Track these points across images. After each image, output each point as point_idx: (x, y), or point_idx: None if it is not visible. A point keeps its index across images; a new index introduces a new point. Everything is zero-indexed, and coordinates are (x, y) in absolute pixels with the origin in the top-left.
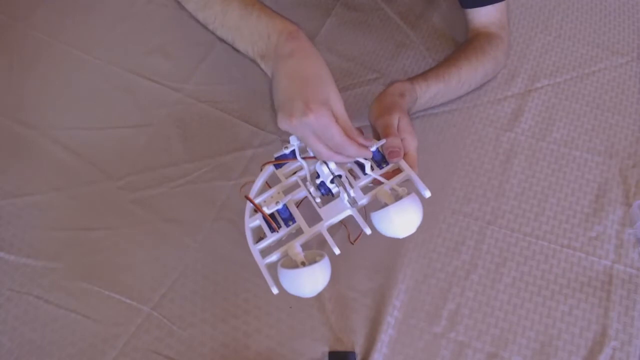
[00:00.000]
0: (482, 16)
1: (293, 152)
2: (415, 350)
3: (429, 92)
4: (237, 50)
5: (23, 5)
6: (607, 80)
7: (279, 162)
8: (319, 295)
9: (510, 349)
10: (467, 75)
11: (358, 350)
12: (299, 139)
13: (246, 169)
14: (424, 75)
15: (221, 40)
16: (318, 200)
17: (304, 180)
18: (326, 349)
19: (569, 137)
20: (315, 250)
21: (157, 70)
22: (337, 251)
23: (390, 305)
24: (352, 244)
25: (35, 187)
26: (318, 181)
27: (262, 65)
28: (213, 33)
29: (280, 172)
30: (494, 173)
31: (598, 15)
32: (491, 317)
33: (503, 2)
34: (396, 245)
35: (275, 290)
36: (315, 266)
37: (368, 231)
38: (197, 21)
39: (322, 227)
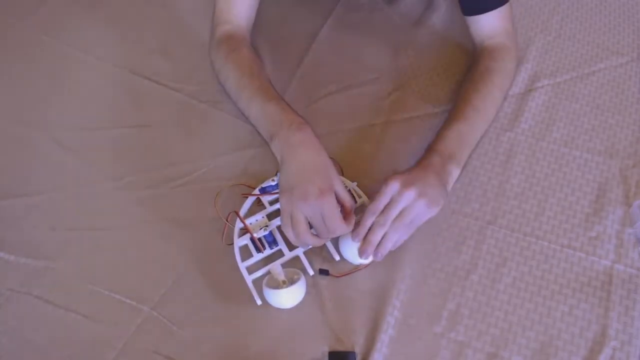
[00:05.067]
0: (485, 26)
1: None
2: (415, 350)
3: (465, 157)
4: (260, 135)
5: (23, 5)
6: (607, 80)
7: (266, 195)
8: (319, 295)
9: (510, 349)
10: (486, 113)
11: (358, 350)
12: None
13: (246, 169)
14: (450, 151)
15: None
16: None
17: None
18: (326, 349)
19: (569, 137)
20: (293, 269)
21: (157, 70)
22: (311, 273)
23: (390, 305)
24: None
25: (35, 187)
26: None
27: (272, 145)
28: (248, 120)
29: (264, 199)
30: (494, 173)
31: (598, 16)
32: (491, 317)
33: (506, 7)
34: None
35: (259, 302)
36: (294, 287)
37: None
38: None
39: (300, 252)
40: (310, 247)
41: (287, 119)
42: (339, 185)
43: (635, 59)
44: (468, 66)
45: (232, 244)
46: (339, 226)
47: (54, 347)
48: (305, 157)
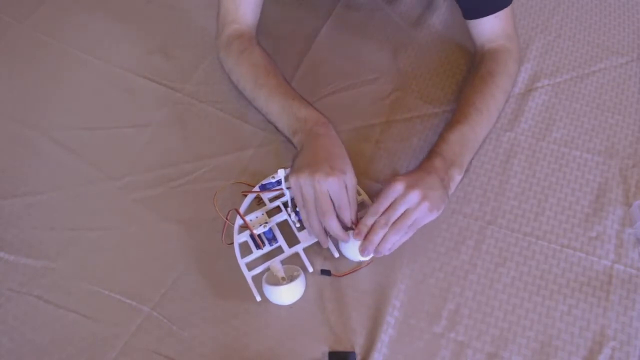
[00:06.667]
0: (486, 30)
1: (279, 181)
2: (415, 350)
3: (467, 161)
4: (277, 130)
5: (23, 5)
6: (607, 80)
7: (266, 192)
8: (319, 295)
9: (510, 349)
10: (489, 115)
11: (358, 350)
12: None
13: (246, 169)
14: (452, 155)
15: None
16: (298, 225)
17: (285, 205)
18: (326, 349)
19: (569, 137)
20: (292, 265)
21: (157, 70)
22: (310, 270)
23: (390, 305)
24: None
25: (35, 187)
26: (297, 209)
27: (294, 139)
28: (265, 117)
29: (264, 196)
30: (494, 173)
31: (598, 15)
32: (491, 317)
33: (507, 10)
34: None
35: (258, 298)
36: (293, 284)
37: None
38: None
39: (299, 248)
40: (315, 240)
41: (313, 116)
42: (351, 180)
43: (635, 59)
44: (468, 66)
45: (232, 243)
46: (346, 205)
47: (54, 347)
48: (324, 145)
